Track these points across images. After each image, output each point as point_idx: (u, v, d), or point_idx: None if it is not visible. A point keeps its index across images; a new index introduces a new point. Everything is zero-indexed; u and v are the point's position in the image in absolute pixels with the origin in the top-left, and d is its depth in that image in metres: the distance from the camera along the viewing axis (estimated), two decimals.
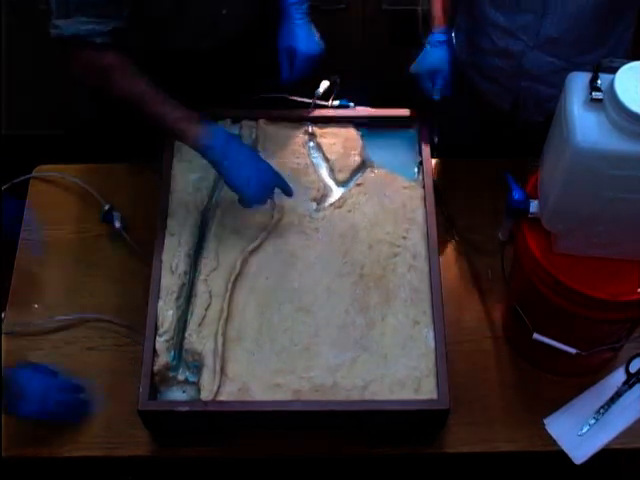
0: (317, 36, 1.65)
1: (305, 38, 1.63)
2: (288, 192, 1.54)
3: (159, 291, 1.48)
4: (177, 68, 1.65)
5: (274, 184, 1.51)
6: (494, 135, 1.98)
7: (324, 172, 1.67)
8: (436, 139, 1.68)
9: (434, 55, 1.65)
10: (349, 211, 1.61)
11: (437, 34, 1.66)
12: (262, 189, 1.49)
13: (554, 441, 1.54)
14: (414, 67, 1.66)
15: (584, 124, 1.18)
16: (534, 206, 1.37)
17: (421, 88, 1.66)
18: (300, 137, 1.69)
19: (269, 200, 1.54)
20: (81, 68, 1.51)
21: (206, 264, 1.53)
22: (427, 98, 1.66)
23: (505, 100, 1.79)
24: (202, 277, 1.51)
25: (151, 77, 1.48)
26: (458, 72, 1.71)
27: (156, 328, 1.45)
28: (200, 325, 1.46)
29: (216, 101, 1.66)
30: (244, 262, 1.53)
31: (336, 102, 1.72)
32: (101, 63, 1.48)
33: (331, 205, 1.62)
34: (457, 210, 1.80)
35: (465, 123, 2.00)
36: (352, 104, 1.73)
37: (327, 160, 1.67)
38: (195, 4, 1.57)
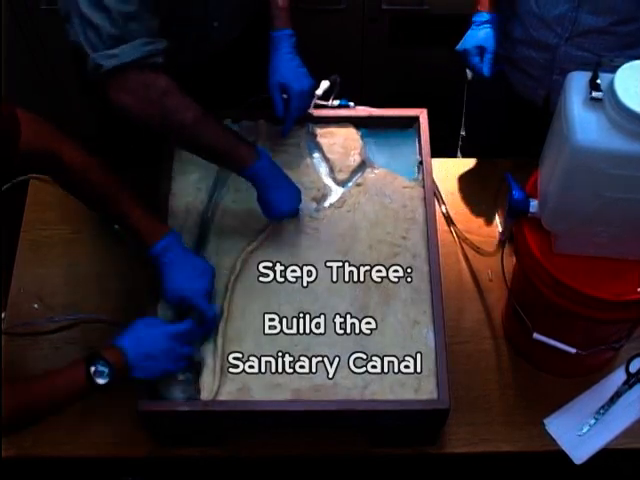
0: (306, 69, 1.63)
1: (297, 74, 1.61)
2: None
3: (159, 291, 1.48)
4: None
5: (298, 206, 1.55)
6: (524, 134, 1.98)
7: (324, 172, 1.67)
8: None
9: (480, 32, 1.71)
10: (349, 211, 1.60)
11: (482, 13, 1.72)
12: (293, 209, 1.54)
13: (554, 441, 1.54)
14: (461, 44, 1.72)
15: (584, 123, 1.18)
16: (534, 206, 1.37)
17: (470, 65, 1.72)
18: (300, 137, 1.69)
19: None
20: (135, 94, 1.41)
21: None
22: (477, 75, 1.72)
23: (538, 94, 1.80)
24: None
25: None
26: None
27: None
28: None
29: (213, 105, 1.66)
30: (244, 262, 1.53)
31: (336, 102, 1.72)
32: (158, 85, 1.41)
33: (331, 205, 1.62)
34: (457, 210, 1.80)
35: (495, 120, 2.01)
36: (352, 104, 1.73)
37: (327, 160, 1.67)
38: (186, 18, 1.57)
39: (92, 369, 1.29)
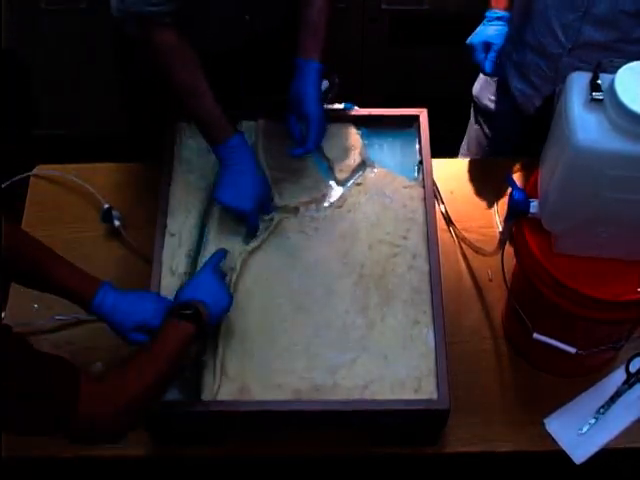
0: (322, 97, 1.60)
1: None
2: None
3: (159, 291, 1.48)
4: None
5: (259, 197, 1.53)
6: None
7: (324, 172, 1.67)
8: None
9: (489, 29, 1.71)
10: (349, 211, 1.60)
11: (495, 10, 1.73)
12: (236, 206, 1.52)
13: (554, 441, 1.54)
14: (470, 39, 1.72)
15: (584, 124, 1.17)
16: (534, 206, 1.37)
17: (474, 60, 1.72)
18: None
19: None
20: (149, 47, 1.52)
21: None
22: (480, 70, 1.73)
23: (532, 103, 1.80)
24: None
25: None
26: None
27: None
28: None
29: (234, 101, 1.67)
30: (244, 262, 1.53)
31: (341, 105, 1.71)
32: (164, 42, 1.50)
33: (331, 205, 1.62)
34: (457, 210, 1.80)
35: (505, 120, 2.01)
36: (356, 107, 1.72)
37: (327, 160, 1.67)
38: (218, 10, 1.57)
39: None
